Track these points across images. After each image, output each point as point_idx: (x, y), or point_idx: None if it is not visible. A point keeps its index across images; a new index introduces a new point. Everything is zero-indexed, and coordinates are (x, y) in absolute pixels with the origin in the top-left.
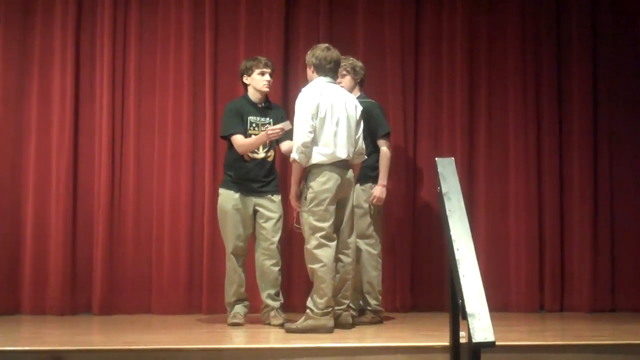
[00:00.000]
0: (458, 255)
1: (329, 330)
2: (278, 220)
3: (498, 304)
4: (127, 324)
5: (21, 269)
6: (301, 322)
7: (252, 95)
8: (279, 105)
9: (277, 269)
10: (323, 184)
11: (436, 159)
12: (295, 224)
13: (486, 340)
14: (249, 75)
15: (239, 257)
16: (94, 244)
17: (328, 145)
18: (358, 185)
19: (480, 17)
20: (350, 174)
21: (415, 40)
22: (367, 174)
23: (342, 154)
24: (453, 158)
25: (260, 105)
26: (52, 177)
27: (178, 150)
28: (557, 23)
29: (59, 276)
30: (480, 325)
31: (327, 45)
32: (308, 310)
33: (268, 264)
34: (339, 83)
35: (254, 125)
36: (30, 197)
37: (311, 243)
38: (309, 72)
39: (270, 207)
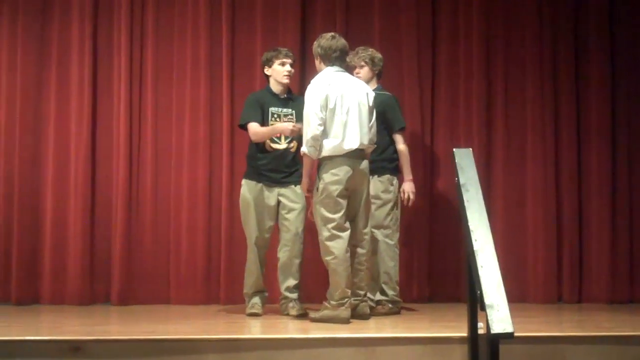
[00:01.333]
0: (476, 246)
1: (344, 321)
2: (301, 211)
3: (516, 295)
4: (145, 314)
5: (41, 259)
6: (319, 312)
7: (274, 86)
8: (301, 96)
9: (298, 261)
10: (333, 175)
11: (454, 149)
12: (309, 215)
13: (505, 331)
14: (270, 67)
15: (260, 249)
16: (112, 235)
17: (337, 136)
18: (376, 176)
19: (497, 9)
20: (364, 164)
21: (432, 32)
22: (385, 166)
23: (353, 144)
24: (471, 149)
25: (282, 97)
26: (71, 169)
27: (195, 142)
28: (575, 16)
29: (77, 267)
30: (499, 316)
31: (332, 34)
32: (325, 301)
33: (290, 255)
34: (357, 74)
35: (275, 116)
36: (50, 188)
37: (323, 234)
38: (317, 63)
39: (292, 198)
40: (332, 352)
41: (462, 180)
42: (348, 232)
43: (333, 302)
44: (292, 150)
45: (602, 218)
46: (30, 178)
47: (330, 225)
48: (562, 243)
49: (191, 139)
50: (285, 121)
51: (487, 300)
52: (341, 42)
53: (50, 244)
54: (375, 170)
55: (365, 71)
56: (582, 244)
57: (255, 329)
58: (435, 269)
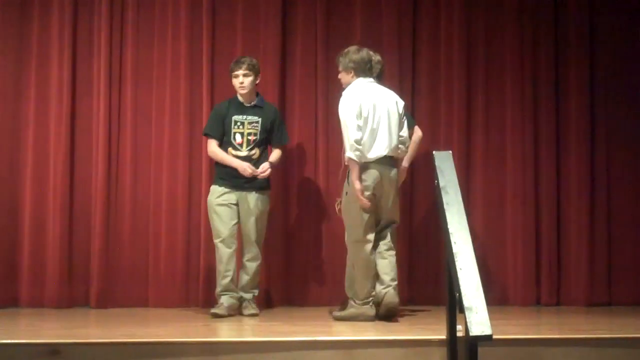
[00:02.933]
0: (455, 248)
1: (370, 319)
2: (259, 217)
3: (495, 298)
4: (124, 317)
5: (19, 262)
6: (345, 311)
7: (239, 95)
8: (273, 105)
9: (255, 264)
10: (362, 181)
11: (433, 152)
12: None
13: (483, 334)
14: (232, 78)
15: (225, 250)
16: (91, 237)
17: (367, 144)
18: None
19: (478, 11)
20: (394, 172)
21: (412, 34)
22: None
23: (382, 151)
24: (450, 152)
25: (248, 105)
26: (50, 170)
27: (175, 144)
28: (555, 17)
29: (56, 269)
30: (477, 319)
31: (356, 46)
32: (350, 300)
33: (245, 258)
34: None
35: (238, 124)
36: (28, 190)
37: (351, 237)
38: (347, 76)
39: (251, 204)
40: (311, 355)
41: (441, 183)
42: (373, 235)
43: (358, 301)
44: (254, 157)
45: (581, 221)
46: (8, 179)
47: (357, 229)
48: (540, 246)
49: (171, 140)
50: (250, 128)
51: (466, 302)
52: (366, 51)
53: (28, 246)
54: None
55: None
56: (560, 246)
57: (233, 332)
58: (415, 272)
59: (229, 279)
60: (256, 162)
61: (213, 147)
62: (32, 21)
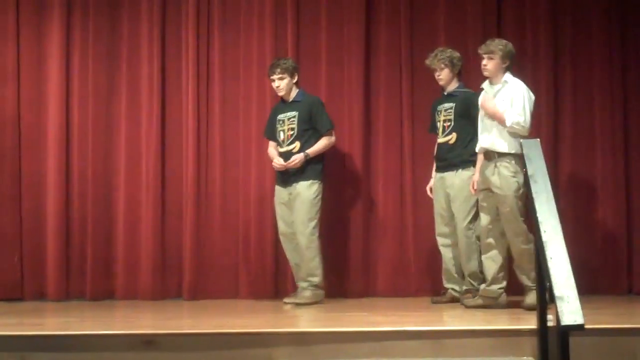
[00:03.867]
0: (545, 237)
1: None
2: (303, 207)
3: (585, 287)
4: (215, 308)
5: (114, 255)
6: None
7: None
8: (313, 97)
9: (304, 253)
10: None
11: (521, 140)
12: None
13: (575, 323)
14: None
15: (284, 242)
16: (182, 231)
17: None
18: (460, 170)
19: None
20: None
21: (497, 22)
22: (469, 159)
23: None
24: (539, 139)
25: (288, 102)
26: (142, 165)
27: (262, 139)
28: None
29: (149, 262)
30: (569, 308)
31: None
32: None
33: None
34: (438, 76)
35: (280, 122)
36: (122, 185)
37: (523, 227)
38: (501, 63)
39: (296, 195)
40: (400, 345)
41: (530, 171)
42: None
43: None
44: (294, 151)
45: None
46: (103, 176)
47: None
48: (631, 234)
49: (258, 135)
50: (289, 124)
51: (557, 292)
52: None
53: (123, 241)
54: (460, 164)
55: (445, 73)
56: None
57: (321, 322)
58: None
59: (294, 270)
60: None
61: (268, 149)
62: (122, 21)
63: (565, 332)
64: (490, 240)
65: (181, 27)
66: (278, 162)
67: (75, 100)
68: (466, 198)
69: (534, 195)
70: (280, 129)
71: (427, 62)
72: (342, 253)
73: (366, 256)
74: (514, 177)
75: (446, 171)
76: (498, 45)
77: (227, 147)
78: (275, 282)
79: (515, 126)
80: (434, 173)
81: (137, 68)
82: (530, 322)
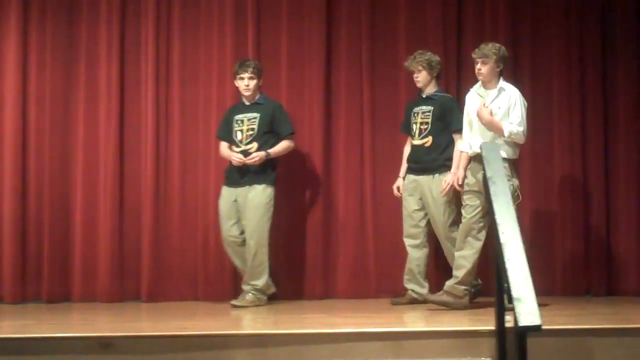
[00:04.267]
0: (503, 238)
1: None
2: (259, 212)
3: (544, 288)
4: (174, 310)
5: (72, 257)
6: (440, 296)
7: (243, 97)
8: (275, 101)
9: (250, 257)
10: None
11: (481, 144)
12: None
13: (532, 324)
14: (234, 80)
15: (228, 247)
16: (141, 233)
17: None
18: (437, 175)
19: (524, 5)
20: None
21: (457, 22)
22: (447, 164)
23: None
24: (498, 142)
25: (248, 104)
26: (100, 167)
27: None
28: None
29: (107, 264)
30: (527, 309)
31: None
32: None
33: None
34: (415, 78)
35: (239, 122)
36: (79, 186)
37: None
38: (495, 67)
39: (247, 199)
40: (359, 347)
41: (488, 174)
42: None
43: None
44: (252, 150)
45: (630, 210)
46: (60, 177)
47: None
48: (589, 236)
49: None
50: (249, 124)
51: (515, 293)
52: None
53: (80, 242)
54: (437, 168)
55: (423, 75)
56: (609, 236)
57: (281, 325)
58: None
59: (241, 272)
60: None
61: (220, 148)
62: (80, 22)
63: (523, 333)
64: (469, 239)
65: (140, 29)
66: (237, 157)
67: (32, 101)
68: (446, 202)
69: (493, 198)
70: (239, 128)
71: (406, 64)
72: (301, 255)
73: (326, 258)
74: (509, 181)
75: (421, 174)
76: (492, 49)
77: (187, 149)
78: (235, 284)
79: (513, 136)
80: (402, 173)
81: (95, 69)
82: (489, 324)
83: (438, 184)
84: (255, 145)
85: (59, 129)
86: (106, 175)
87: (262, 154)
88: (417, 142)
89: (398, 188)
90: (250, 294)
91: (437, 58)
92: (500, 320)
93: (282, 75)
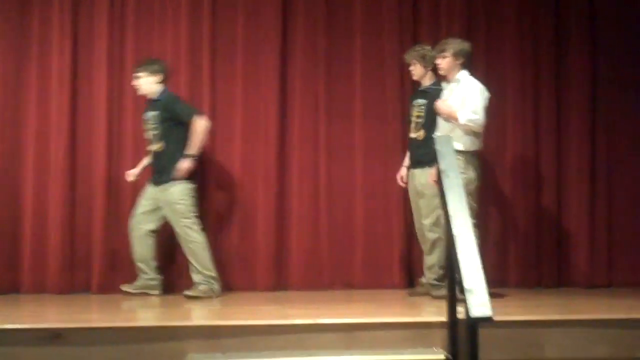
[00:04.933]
0: (455, 231)
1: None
2: (178, 208)
3: (497, 280)
4: (125, 302)
5: (21, 248)
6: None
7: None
8: (169, 94)
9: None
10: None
11: (434, 136)
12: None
13: (484, 316)
14: None
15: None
16: (92, 224)
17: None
18: (427, 167)
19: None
20: None
21: (413, 16)
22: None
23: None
24: (451, 136)
25: (148, 102)
26: (51, 159)
27: None
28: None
29: (58, 255)
30: (478, 301)
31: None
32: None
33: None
34: (411, 71)
35: (146, 122)
36: (30, 177)
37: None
38: (454, 62)
39: (166, 197)
40: (313, 338)
41: (442, 167)
42: None
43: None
44: (158, 150)
45: (581, 203)
46: (10, 169)
47: None
48: (540, 229)
49: None
50: (151, 123)
51: (466, 284)
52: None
53: (30, 234)
54: (428, 162)
55: (417, 68)
56: (560, 229)
57: (235, 315)
58: (415, 255)
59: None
60: (160, 155)
61: None
62: (32, 9)
63: (475, 324)
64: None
65: (94, 19)
66: (132, 175)
67: None
68: (432, 196)
69: (446, 191)
70: (147, 128)
71: (405, 56)
72: (253, 246)
73: (279, 249)
74: (463, 173)
75: (415, 168)
76: (450, 43)
77: (139, 137)
78: (188, 275)
79: (468, 123)
80: (406, 162)
81: (47, 57)
82: (441, 315)
83: (426, 177)
84: (160, 145)
85: (9, 118)
86: (57, 165)
87: (185, 163)
88: (412, 134)
89: (402, 178)
90: (203, 285)
91: (432, 53)
92: (452, 312)
93: (238, 66)
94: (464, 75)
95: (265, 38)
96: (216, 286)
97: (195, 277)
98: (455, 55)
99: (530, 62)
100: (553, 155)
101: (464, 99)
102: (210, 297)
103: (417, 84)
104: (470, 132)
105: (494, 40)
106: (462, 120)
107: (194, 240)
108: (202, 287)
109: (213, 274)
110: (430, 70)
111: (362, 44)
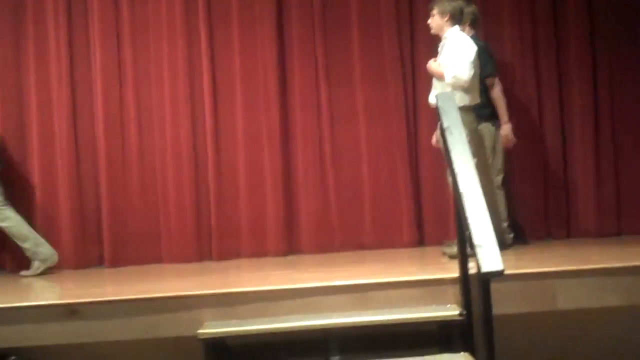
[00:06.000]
0: (462, 188)
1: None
2: None
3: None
4: (139, 274)
5: (32, 225)
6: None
7: None
8: None
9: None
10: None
11: (435, 94)
12: None
13: (495, 270)
14: None
15: None
16: (100, 197)
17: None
18: None
19: None
20: None
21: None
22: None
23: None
24: (454, 92)
25: None
26: (55, 135)
27: (176, 99)
28: None
29: (69, 231)
30: (488, 255)
31: None
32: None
33: None
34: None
35: None
36: (36, 154)
37: None
38: (444, 20)
39: None
40: (325, 300)
41: (445, 124)
42: None
43: None
44: None
45: (587, 152)
46: (17, 145)
47: None
48: (548, 180)
49: (172, 97)
50: None
51: (476, 240)
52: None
53: (40, 210)
54: None
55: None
56: (567, 180)
57: (248, 282)
58: (425, 213)
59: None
60: None
61: None
62: None
63: (486, 279)
64: None
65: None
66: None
67: None
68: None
69: (450, 147)
70: None
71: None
72: (262, 213)
73: (288, 215)
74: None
75: None
76: (436, 2)
77: (141, 108)
78: (199, 245)
79: (453, 80)
80: None
81: (43, 32)
82: (453, 271)
83: None
84: None
85: (12, 95)
86: (61, 142)
87: None
88: None
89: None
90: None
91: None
92: (463, 267)
93: (234, 36)
94: (451, 32)
95: (260, 5)
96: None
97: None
98: (442, 13)
99: (527, 15)
100: (556, 106)
101: (451, 55)
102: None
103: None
104: (459, 87)
105: (492, 23)
106: (447, 79)
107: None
108: (35, 264)
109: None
110: (467, 25)
111: (358, 10)
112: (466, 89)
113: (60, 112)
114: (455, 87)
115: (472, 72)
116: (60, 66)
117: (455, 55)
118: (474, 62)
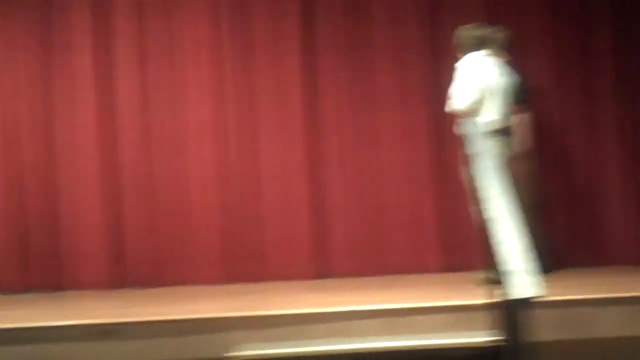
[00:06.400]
0: (492, 214)
1: None
2: None
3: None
4: (168, 295)
5: (60, 247)
6: None
7: None
8: None
9: None
10: None
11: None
12: None
13: (524, 296)
14: None
15: None
16: (129, 221)
17: None
18: None
19: None
20: None
21: None
22: None
23: None
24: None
25: None
26: (86, 160)
27: (202, 123)
28: None
29: (96, 253)
30: (518, 282)
31: None
32: None
33: None
34: None
35: None
36: (64, 178)
37: None
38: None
39: None
40: (354, 325)
41: (472, 150)
42: None
43: None
44: None
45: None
46: (44, 171)
47: None
48: (584, 207)
49: (198, 122)
50: None
51: (505, 267)
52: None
53: (68, 232)
54: None
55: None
56: (604, 206)
57: (279, 305)
58: (454, 238)
59: None
60: None
61: None
62: (52, 12)
63: (516, 306)
64: None
65: (112, 14)
66: None
67: (5, 98)
68: None
69: (479, 174)
70: None
71: None
72: (291, 236)
73: (318, 238)
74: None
75: None
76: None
77: (169, 136)
78: (225, 266)
79: (453, 110)
80: None
81: (70, 61)
82: (483, 298)
83: None
84: None
85: (40, 123)
86: (92, 167)
87: None
88: None
89: None
90: None
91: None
92: (494, 294)
93: (261, 59)
94: (461, 62)
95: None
96: None
97: None
98: (456, 43)
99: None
100: (584, 138)
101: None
102: None
103: None
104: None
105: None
106: (448, 109)
107: None
108: None
109: None
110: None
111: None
112: (488, 114)
113: (86, 138)
114: (461, 115)
115: (473, 99)
116: (85, 92)
117: (456, 85)
118: (477, 87)
